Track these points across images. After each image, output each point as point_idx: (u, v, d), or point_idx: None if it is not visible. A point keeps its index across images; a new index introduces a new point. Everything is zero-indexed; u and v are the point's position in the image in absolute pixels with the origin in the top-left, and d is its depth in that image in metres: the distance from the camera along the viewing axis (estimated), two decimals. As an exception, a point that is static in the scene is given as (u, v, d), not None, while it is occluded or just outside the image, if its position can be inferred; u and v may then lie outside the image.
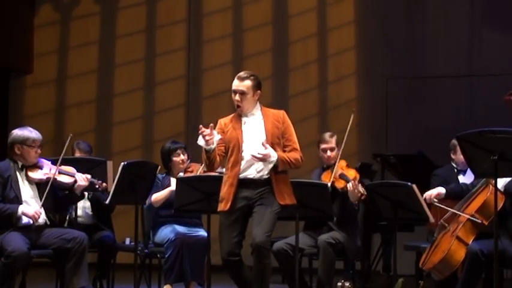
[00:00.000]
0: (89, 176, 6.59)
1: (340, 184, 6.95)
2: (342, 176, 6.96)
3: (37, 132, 6.63)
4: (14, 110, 11.32)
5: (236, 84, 6.04)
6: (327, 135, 7.25)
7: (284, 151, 6.01)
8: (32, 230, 6.41)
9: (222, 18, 10.87)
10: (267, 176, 5.96)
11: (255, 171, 5.97)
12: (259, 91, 6.08)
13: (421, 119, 9.84)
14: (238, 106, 6.05)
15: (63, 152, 6.61)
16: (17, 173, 6.52)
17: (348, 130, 7.06)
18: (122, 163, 6.52)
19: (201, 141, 5.86)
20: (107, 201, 6.79)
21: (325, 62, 10.45)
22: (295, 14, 10.59)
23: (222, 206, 5.98)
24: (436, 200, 6.49)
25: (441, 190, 6.58)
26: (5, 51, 11.09)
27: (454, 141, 7.44)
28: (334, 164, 7.12)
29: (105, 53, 11.28)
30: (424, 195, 6.58)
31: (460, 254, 6.12)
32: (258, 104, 6.12)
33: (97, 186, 6.70)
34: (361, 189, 6.81)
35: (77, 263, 6.38)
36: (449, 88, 9.84)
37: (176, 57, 11.00)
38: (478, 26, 9.93)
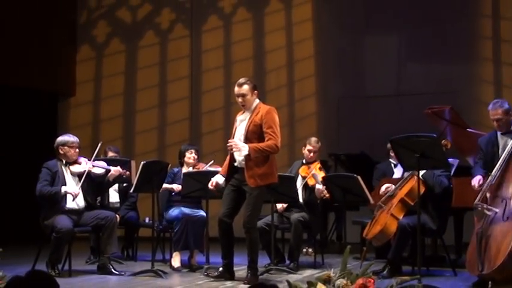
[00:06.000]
0: (120, 169, 6.60)
1: (311, 181, 6.94)
2: (314, 176, 6.94)
3: (74, 136, 6.62)
4: (62, 124, 11.26)
5: (237, 90, 5.81)
6: (313, 140, 7.12)
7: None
8: (75, 213, 6.41)
9: (216, 54, 10.84)
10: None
11: (237, 162, 5.82)
12: (255, 91, 5.84)
13: (364, 127, 9.86)
14: (243, 105, 5.83)
15: (96, 151, 6.62)
16: (63, 168, 6.50)
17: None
18: (142, 162, 6.48)
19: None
20: (131, 190, 6.79)
21: (292, 86, 10.45)
22: (270, 51, 10.59)
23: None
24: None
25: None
26: (55, 80, 11.07)
27: (391, 145, 7.44)
28: (312, 163, 7.12)
29: (129, 80, 11.23)
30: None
31: (393, 227, 6.13)
32: (257, 101, 5.85)
33: (124, 176, 6.75)
34: (325, 192, 6.81)
35: (109, 235, 6.38)
36: (384, 104, 9.86)
37: (182, 83, 10.96)
38: (404, 59, 9.98)
